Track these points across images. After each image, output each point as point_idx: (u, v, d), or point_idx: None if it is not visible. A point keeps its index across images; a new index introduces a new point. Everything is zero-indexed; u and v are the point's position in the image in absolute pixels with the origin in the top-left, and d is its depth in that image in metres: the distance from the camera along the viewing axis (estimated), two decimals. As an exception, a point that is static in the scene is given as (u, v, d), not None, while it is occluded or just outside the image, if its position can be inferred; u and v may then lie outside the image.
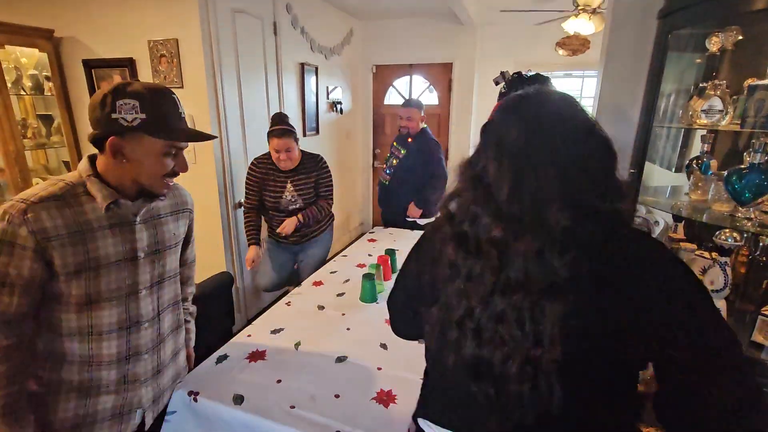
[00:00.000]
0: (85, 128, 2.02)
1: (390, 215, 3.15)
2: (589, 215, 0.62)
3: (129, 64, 2.50)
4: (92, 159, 1.00)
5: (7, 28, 2.29)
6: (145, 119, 0.92)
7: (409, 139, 2.95)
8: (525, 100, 0.72)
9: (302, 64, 3.47)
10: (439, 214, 0.79)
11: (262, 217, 2.49)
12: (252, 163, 2.41)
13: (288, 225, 2.31)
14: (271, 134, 2.23)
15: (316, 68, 3.70)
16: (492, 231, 0.64)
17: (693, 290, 0.64)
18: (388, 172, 3.06)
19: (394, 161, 3.02)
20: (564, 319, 0.61)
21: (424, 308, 0.80)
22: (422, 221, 3.09)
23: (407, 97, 4.78)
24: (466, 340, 0.69)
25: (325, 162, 2.43)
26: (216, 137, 1.05)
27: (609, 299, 0.63)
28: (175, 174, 1.02)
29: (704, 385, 0.61)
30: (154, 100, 0.93)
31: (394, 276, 2.10)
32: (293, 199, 2.35)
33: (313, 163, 2.38)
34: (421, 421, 0.87)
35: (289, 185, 2.33)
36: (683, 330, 0.62)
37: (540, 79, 1.61)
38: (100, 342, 1.00)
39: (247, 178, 2.41)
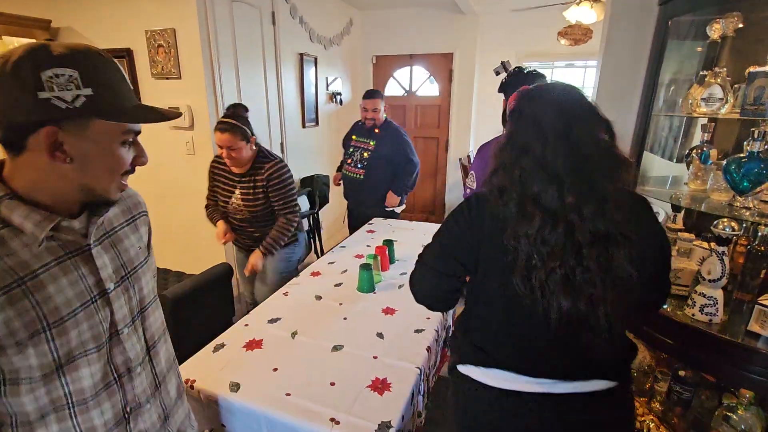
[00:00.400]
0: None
1: (365, 208, 3.01)
2: (619, 182, 0.83)
3: (127, 54, 2.50)
4: None
5: (3, 19, 2.29)
6: (93, 95, 0.63)
7: (376, 130, 2.90)
8: (551, 90, 0.91)
9: (301, 55, 3.45)
10: (488, 186, 0.91)
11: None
12: (213, 158, 2.12)
13: (254, 262, 2.01)
14: (215, 127, 1.89)
15: (316, 59, 3.67)
16: (566, 198, 0.81)
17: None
18: (359, 166, 2.94)
19: (365, 154, 2.92)
20: (630, 260, 0.81)
21: (480, 272, 0.96)
22: (399, 209, 3.05)
23: (407, 88, 4.77)
24: (556, 293, 0.82)
25: (279, 169, 1.97)
26: (181, 114, 0.83)
27: (641, 244, 0.84)
28: (133, 170, 0.75)
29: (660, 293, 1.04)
30: (95, 66, 0.64)
31: (392, 266, 2.11)
32: (239, 208, 2.01)
33: (262, 170, 1.96)
34: (468, 368, 0.99)
35: (237, 191, 2.00)
36: (666, 263, 0.98)
37: (538, 75, 1.61)
38: (88, 412, 0.73)
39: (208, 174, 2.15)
